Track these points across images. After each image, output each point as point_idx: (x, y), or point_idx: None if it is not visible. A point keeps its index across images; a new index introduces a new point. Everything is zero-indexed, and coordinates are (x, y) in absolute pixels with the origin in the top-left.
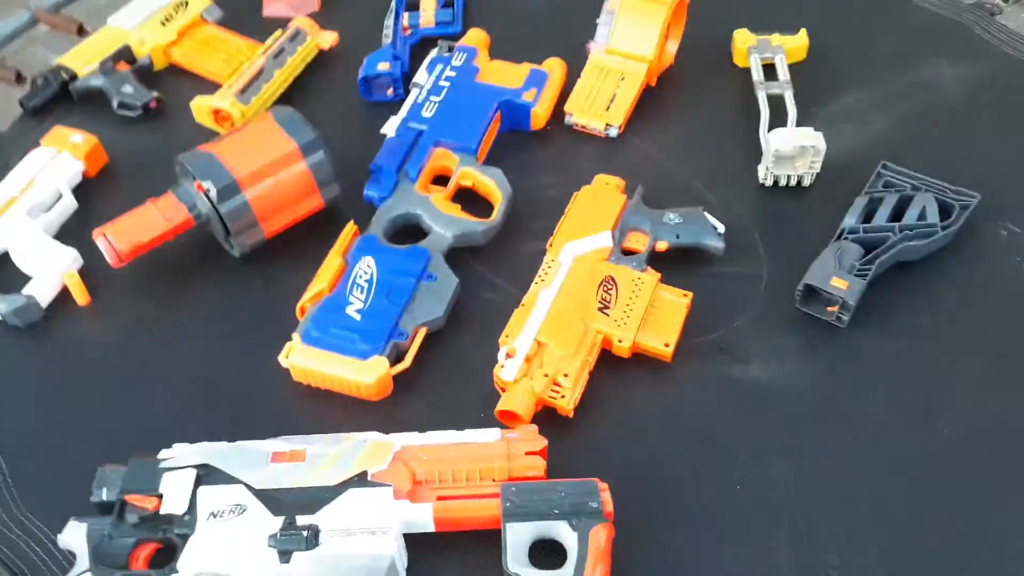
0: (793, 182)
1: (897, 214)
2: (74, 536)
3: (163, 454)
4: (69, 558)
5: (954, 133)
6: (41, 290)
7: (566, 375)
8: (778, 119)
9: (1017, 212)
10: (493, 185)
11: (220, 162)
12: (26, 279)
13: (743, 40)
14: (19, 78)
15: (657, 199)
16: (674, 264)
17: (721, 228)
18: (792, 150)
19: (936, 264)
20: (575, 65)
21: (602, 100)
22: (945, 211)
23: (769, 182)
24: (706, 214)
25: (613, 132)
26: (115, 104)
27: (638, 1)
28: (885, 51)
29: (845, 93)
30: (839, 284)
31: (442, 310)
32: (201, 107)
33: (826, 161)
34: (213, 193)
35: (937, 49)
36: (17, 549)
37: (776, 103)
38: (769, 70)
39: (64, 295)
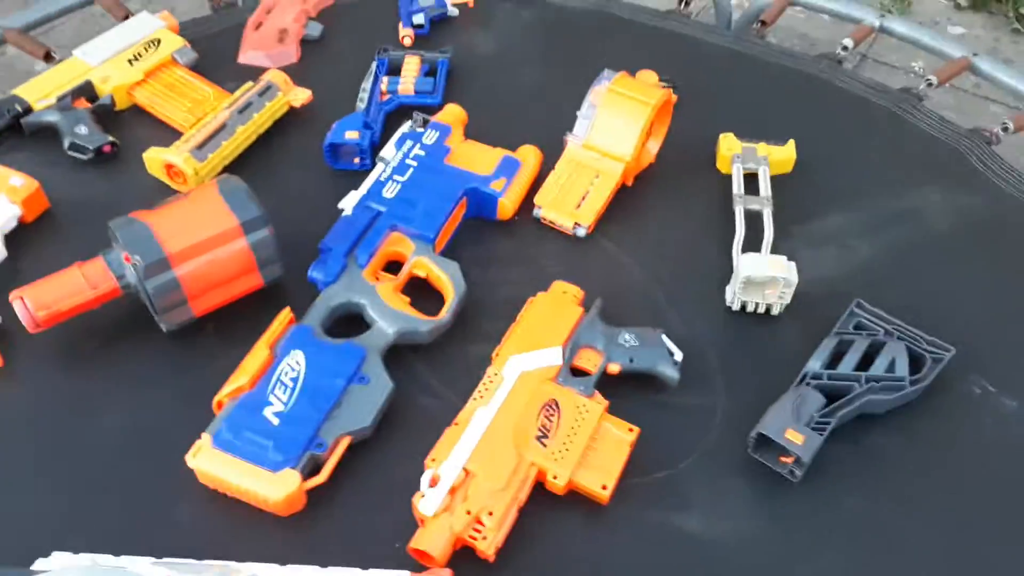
0: (761, 309)
1: (866, 359)
2: None
3: (38, 564)
4: None
5: (937, 271)
6: None
7: (491, 513)
8: (755, 235)
9: (994, 368)
10: (447, 280)
11: (153, 234)
12: None
13: (728, 146)
14: None
15: (617, 310)
16: (624, 388)
17: (679, 356)
18: (763, 277)
19: (901, 418)
20: (551, 153)
21: (574, 196)
22: (917, 362)
23: (736, 306)
24: (664, 338)
25: (581, 232)
26: (66, 144)
27: (621, 98)
28: (875, 171)
29: (828, 213)
30: (794, 438)
31: (370, 419)
32: (154, 159)
33: (799, 287)
34: (141, 268)
35: (929, 175)
36: None
37: (754, 218)
38: (751, 179)
39: None
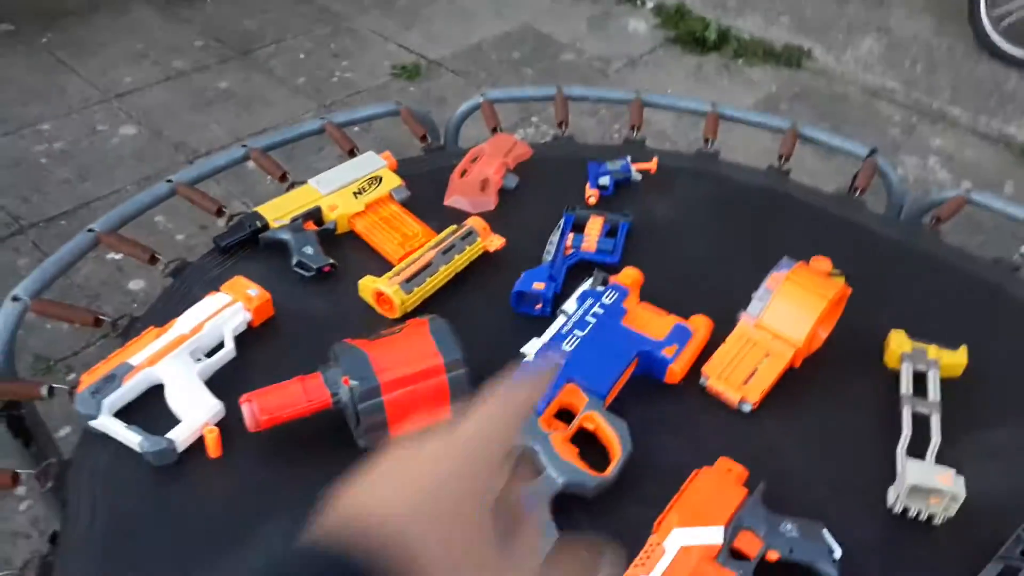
0: (923, 517)
1: None
2: None
3: None
4: None
5: None
6: (182, 436)
7: None
8: (921, 439)
9: None
10: (615, 438)
11: (370, 363)
12: (168, 414)
13: (898, 344)
14: (219, 212)
15: (777, 496)
16: None
17: (838, 553)
18: (927, 487)
19: None
20: (721, 325)
21: (742, 372)
22: None
23: (898, 510)
24: (825, 532)
25: (747, 408)
26: (293, 261)
27: (798, 288)
28: None
29: (998, 426)
30: None
31: (537, 564)
32: (366, 287)
33: (966, 501)
34: (357, 391)
35: None
36: None
37: (921, 422)
38: (920, 382)
39: (199, 440)
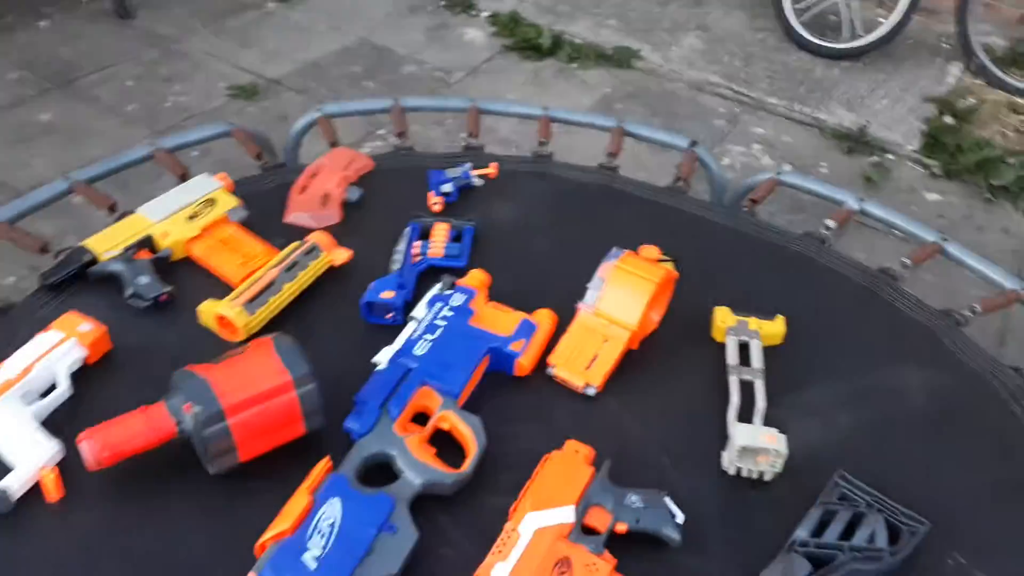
0: (755, 475)
1: (849, 529)
2: None
3: None
4: None
5: (914, 446)
6: (17, 483)
7: None
8: (749, 402)
9: (967, 541)
10: (470, 434)
11: (211, 388)
12: (1, 463)
13: (723, 319)
14: (43, 249)
15: (623, 471)
16: (629, 548)
17: (680, 518)
18: (755, 447)
19: None
20: (564, 316)
21: (584, 358)
22: (896, 534)
23: (732, 471)
24: (667, 500)
25: (591, 391)
26: (127, 293)
27: (627, 274)
28: (860, 347)
29: (815, 385)
30: None
31: (397, 567)
32: (207, 311)
33: (790, 457)
34: (200, 417)
35: (906, 352)
36: None
37: (748, 388)
38: (745, 351)
39: (37, 486)
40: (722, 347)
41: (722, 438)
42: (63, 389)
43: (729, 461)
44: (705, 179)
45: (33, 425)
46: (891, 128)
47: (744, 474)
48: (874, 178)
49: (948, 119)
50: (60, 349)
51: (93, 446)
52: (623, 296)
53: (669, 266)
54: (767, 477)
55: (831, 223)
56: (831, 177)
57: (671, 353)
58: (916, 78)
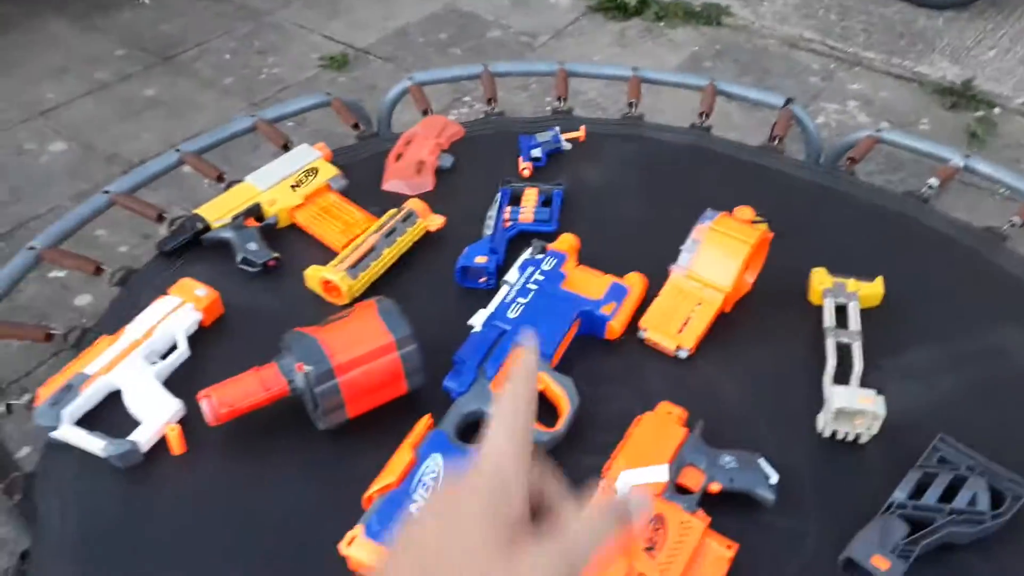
0: (851, 438)
1: (949, 492)
2: None
3: None
4: None
5: (1020, 410)
6: (144, 437)
7: None
8: (846, 366)
9: None
10: (562, 394)
11: (322, 348)
12: (130, 419)
13: (820, 281)
14: (160, 218)
15: (716, 432)
16: (722, 507)
17: (775, 479)
18: (853, 409)
19: (985, 548)
20: (655, 280)
21: (677, 321)
22: (998, 497)
23: (827, 434)
24: (761, 461)
25: (683, 354)
26: (238, 259)
27: (722, 236)
28: (960, 308)
29: (915, 348)
30: (880, 564)
31: None
32: (312, 276)
33: (887, 420)
34: (313, 375)
35: (1012, 312)
36: None
37: (845, 351)
38: (842, 313)
39: (163, 440)
40: (818, 310)
41: (817, 401)
42: (182, 350)
43: (825, 423)
44: (800, 138)
45: (157, 384)
46: (999, 80)
47: (840, 436)
48: (980, 134)
49: None
50: (178, 313)
51: (213, 403)
52: (717, 258)
53: (764, 227)
54: (863, 440)
55: (933, 181)
56: (932, 134)
57: (765, 316)
58: None
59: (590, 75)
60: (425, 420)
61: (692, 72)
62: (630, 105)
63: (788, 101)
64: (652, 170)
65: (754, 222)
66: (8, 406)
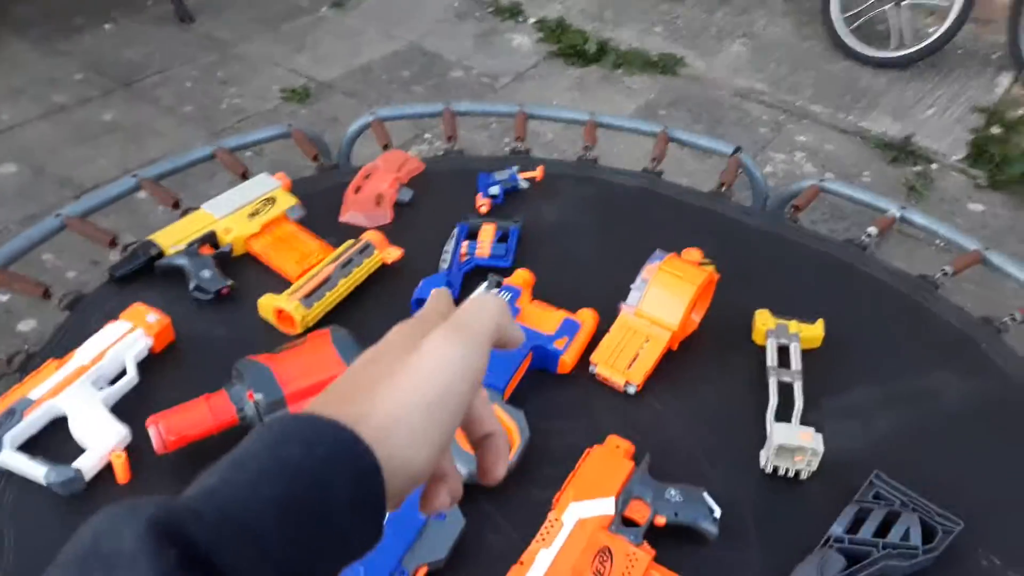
0: (791, 474)
1: (884, 527)
2: None
3: None
4: None
5: (951, 449)
6: (89, 464)
7: None
8: (787, 404)
9: (1001, 543)
10: (514, 427)
11: (274, 376)
12: (74, 445)
13: (763, 322)
14: (112, 243)
15: (662, 466)
16: (667, 540)
17: (718, 513)
18: (792, 446)
19: None
20: (606, 316)
21: (626, 357)
22: (930, 533)
23: (769, 469)
24: (706, 495)
25: (632, 389)
26: (191, 286)
27: (670, 276)
28: (898, 352)
29: (853, 388)
30: None
31: (445, 551)
32: (266, 305)
33: (826, 456)
34: (263, 404)
35: (944, 358)
36: None
37: (786, 389)
38: (784, 353)
39: (108, 467)
40: (761, 350)
41: (760, 437)
42: (131, 376)
43: (767, 459)
44: (748, 185)
45: (104, 410)
46: (937, 138)
47: (781, 472)
48: (918, 188)
49: (996, 129)
50: (128, 338)
51: (161, 430)
52: (665, 297)
53: (711, 269)
54: (803, 476)
55: (873, 230)
56: (874, 186)
57: (711, 354)
58: (964, 88)
59: (549, 118)
60: None
61: (647, 119)
62: (586, 148)
63: (737, 150)
64: (605, 211)
65: (701, 263)
66: None
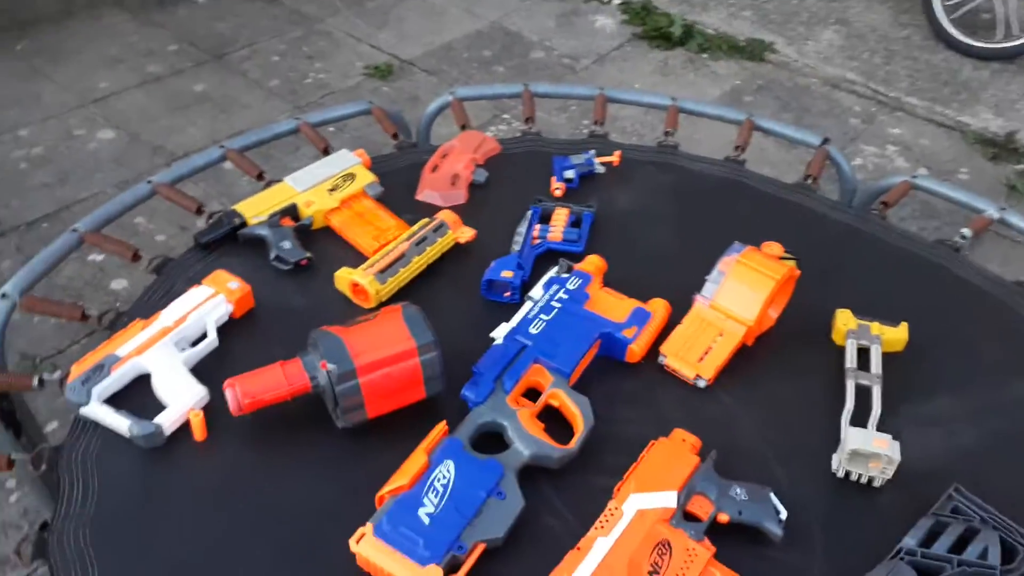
0: (864, 480)
1: (960, 543)
2: None
3: None
4: None
5: None
6: (169, 420)
7: None
8: (864, 408)
9: None
10: (578, 413)
11: (346, 347)
12: (154, 402)
13: (844, 322)
14: (199, 210)
15: (728, 464)
16: (729, 538)
17: (784, 514)
18: (867, 452)
19: None
20: (679, 307)
21: (697, 350)
22: (1010, 552)
23: (841, 474)
24: (772, 496)
25: (702, 383)
26: (271, 256)
27: (748, 270)
28: (983, 359)
29: (935, 396)
30: None
31: (504, 531)
32: (342, 278)
33: (902, 465)
34: (334, 374)
35: None
36: None
37: (864, 393)
38: (864, 356)
39: (185, 425)
40: (840, 350)
41: (833, 441)
42: (211, 340)
43: (839, 463)
44: (835, 178)
45: (184, 370)
46: None
47: (853, 478)
48: (1019, 187)
49: None
50: (210, 303)
51: (237, 393)
52: (742, 291)
53: (791, 264)
54: (877, 483)
55: (967, 231)
56: (971, 184)
57: (787, 352)
58: None
59: (629, 102)
60: (440, 427)
61: (732, 105)
62: (667, 134)
63: (825, 141)
64: (683, 199)
65: (782, 258)
66: (40, 380)
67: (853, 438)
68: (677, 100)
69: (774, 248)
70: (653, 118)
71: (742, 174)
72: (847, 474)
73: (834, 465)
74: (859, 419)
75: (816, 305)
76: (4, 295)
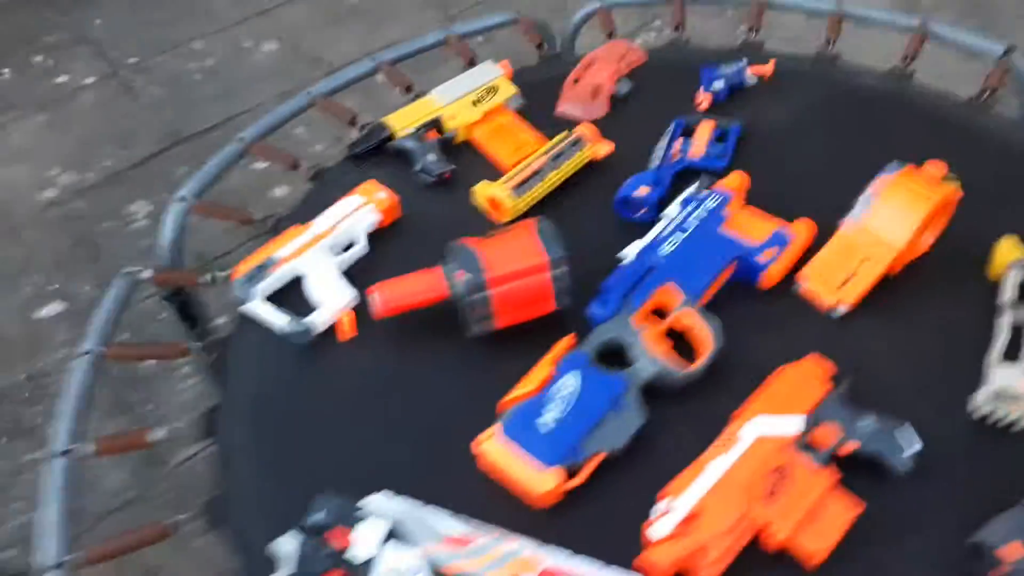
0: (1004, 423)
1: None
2: (287, 546)
3: (365, 501)
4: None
5: None
6: (321, 320)
7: (709, 553)
8: (1016, 348)
9: None
10: (707, 335)
11: (479, 260)
12: (305, 303)
13: (1008, 250)
14: (352, 122)
15: (861, 394)
16: (855, 469)
17: (916, 447)
18: (1014, 392)
19: None
20: (823, 230)
21: (839, 276)
22: None
23: (982, 412)
24: (904, 429)
25: (841, 310)
26: (416, 167)
27: (904, 190)
28: None
29: None
30: (1012, 553)
31: (623, 442)
32: (480, 192)
33: None
34: (468, 284)
35: None
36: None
37: (1019, 332)
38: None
39: (332, 325)
40: (996, 286)
41: (974, 381)
42: (361, 246)
43: (982, 401)
44: (1017, 94)
45: (336, 274)
46: None
47: (992, 420)
48: None
49: None
50: (361, 212)
51: (381, 297)
52: (895, 213)
53: (954, 186)
54: (1019, 426)
55: None
56: None
57: (936, 282)
58: None
59: (788, 7)
60: (568, 339)
61: (909, 10)
62: (827, 42)
63: (1009, 50)
64: (840, 114)
65: (944, 179)
66: (213, 276)
67: (1000, 376)
68: (842, 3)
69: (937, 168)
70: (818, 24)
71: (908, 88)
72: (986, 416)
73: (976, 402)
74: (1010, 358)
75: (976, 233)
76: (183, 198)
